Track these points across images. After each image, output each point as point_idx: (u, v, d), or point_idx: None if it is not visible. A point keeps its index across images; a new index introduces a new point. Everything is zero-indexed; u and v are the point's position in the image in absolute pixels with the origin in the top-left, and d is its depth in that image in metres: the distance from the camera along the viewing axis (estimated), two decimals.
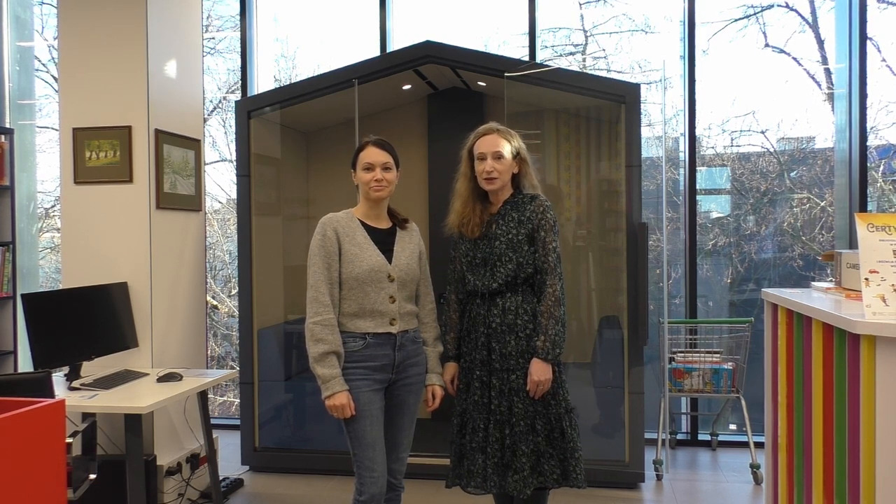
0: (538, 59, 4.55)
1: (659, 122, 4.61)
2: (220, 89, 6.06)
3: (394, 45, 4.73)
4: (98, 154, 3.54)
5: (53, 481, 1.58)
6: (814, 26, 4.84)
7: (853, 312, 1.99)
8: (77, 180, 3.56)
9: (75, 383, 3.06)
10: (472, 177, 2.60)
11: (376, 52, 4.67)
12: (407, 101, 4.74)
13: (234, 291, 6.41)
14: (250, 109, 4.12)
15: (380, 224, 2.52)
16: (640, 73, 5.05)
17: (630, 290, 3.73)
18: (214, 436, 3.55)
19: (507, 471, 2.47)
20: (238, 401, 4.74)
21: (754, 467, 3.86)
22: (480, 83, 4.36)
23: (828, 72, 4.79)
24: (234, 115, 4.15)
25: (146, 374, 3.30)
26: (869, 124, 4.35)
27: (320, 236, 2.43)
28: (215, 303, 6.48)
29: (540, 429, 2.48)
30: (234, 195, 5.08)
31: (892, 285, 1.93)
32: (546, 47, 5.17)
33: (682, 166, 4.61)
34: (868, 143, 4.38)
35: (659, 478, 3.92)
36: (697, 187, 4.53)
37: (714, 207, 5.23)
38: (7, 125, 4.93)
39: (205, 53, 4.17)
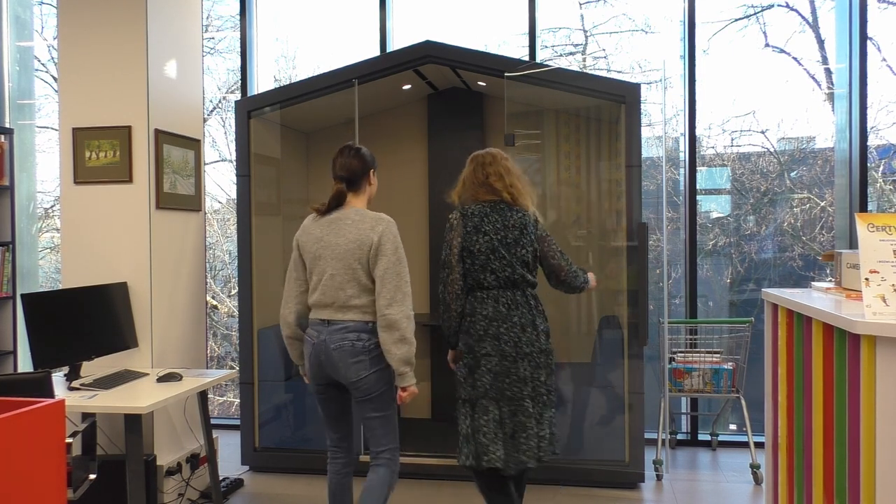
0: (538, 59, 4.54)
1: (659, 122, 4.61)
2: (220, 89, 6.06)
3: (394, 45, 4.73)
4: (98, 154, 3.54)
5: (53, 481, 1.58)
6: (814, 26, 4.84)
7: (853, 312, 1.99)
8: (77, 180, 3.56)
9: (75, 383, 3.05)
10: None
11: (376, 52, 4.67)
12: (407, 101, 4.74)
13: (234, 291, 6.41)
14: (250, 109, 4.12)
15: None
16: (640, 73, 5.05)
17: (630, 290, 3.72)
18: (214, 436, 3.55)
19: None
20: (238, 401, 4.74)
21: (754, 467, 3.86)
22: (480, 83, 4.36)
23: (828, 72, 4.79)
24: (234, 115, 4.15)
25: (146, 375, 3.29)
26: (869, 124, 4.35)
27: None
28: (215, 303, 6.48)
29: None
30: (234, 195, 5.08)
31: (893, 285, 1.93)
32: (546, 47, 5.17)
33: (682, 166, 4.61)
34: (868, 143, 4.37)
35: (659, 478, 3.92)
36: (697, 187, 4.53)
37: (714, 207, 5.23)
38: (7, 125, 4.93)
39: (205, 53, 4.17)
